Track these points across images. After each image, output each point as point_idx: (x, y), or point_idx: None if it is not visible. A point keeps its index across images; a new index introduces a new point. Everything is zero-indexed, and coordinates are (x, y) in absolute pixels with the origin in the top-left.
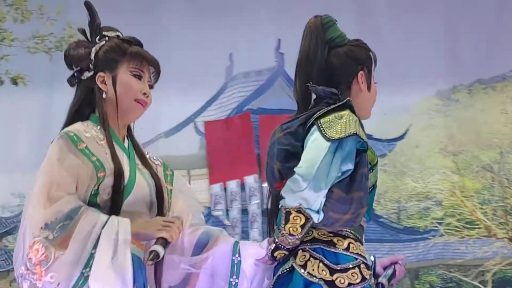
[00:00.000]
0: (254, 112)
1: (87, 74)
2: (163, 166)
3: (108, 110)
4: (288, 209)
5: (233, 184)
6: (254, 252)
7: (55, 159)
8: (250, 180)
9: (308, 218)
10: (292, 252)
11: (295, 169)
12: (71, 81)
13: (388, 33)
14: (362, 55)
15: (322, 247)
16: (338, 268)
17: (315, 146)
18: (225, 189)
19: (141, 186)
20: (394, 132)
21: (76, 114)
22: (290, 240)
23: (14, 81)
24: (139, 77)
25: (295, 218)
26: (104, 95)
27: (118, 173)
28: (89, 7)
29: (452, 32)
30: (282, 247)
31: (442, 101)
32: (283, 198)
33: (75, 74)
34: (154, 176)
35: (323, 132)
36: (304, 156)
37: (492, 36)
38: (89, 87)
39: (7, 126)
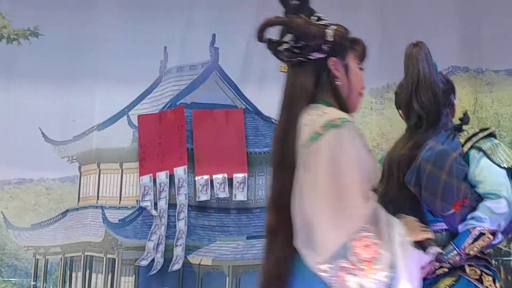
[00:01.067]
0: (187, 107)
1: (317, 55)
2: None
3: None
4: (483, 230)
5: (162, 175)
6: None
7: (354, 150)
8: (180, 171)
9: (492, 240)
10: (453, 268)
11: (496, 192)
12: (290, 54)
13: None
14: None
15: (486, 264)
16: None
17: (497, 172)
18: (154, 181)
19: None
20: None
21: (311, 96)
22: (461, 259)
23: None
24: (361, 70)
25: (484, 239)
26: (338, 82)
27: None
28: None
29: (387, 30)
30: (448, 264)
31: (376, 99)
32: (471, 218)
33: (297, 50)
34: None
35: (491, 158)
36: (491, 180)
37: (426, 36)
38: (317, 69)
39: None
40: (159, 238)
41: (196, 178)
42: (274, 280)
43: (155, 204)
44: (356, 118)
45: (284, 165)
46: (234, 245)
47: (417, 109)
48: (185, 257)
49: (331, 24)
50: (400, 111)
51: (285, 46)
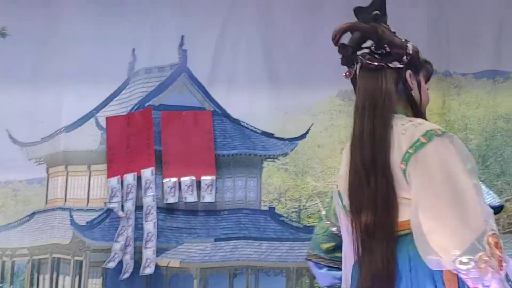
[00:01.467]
0: (155, 108)
1: (396, 64)
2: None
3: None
4: None
5: (129, 177)
6: None
7: (459, 156)
8: (147, 173)
9: None
10: None
11: None
12: (372, 58)
13: (291, 33)
14: None
15: None
16: None
17: None
18: (122, 182)
19: None
20: (296, 131)
21: (395, 103)
22: None
23: None
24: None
25: None
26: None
27: None
28: None
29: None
30: None
31: (344, 101)
32: None
33: (378, 56)
34: None
35: None
36: None
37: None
38: (396, 78)
39: None
40: (126, 240)
41: (164, 181)
42: (383, 281)
43: (122, 206)
44: (325, 121)
45: (376, 169)
46: (202, 247)
47: None
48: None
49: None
50: None
51: (365, 50)
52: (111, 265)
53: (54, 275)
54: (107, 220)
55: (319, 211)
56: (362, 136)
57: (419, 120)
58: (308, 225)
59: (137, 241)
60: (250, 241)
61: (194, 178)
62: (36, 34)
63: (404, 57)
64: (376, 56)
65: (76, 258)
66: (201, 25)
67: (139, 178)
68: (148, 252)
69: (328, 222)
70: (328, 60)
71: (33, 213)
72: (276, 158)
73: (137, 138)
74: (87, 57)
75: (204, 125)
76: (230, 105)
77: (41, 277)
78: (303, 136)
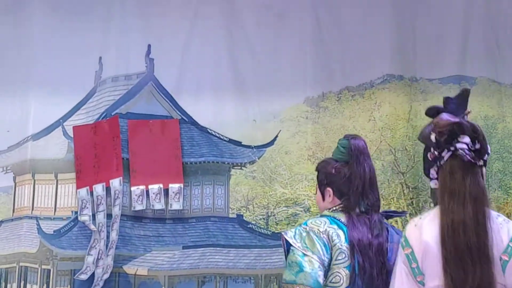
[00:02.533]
0: (122, 117)
1: (481, 162)
2: None
3: None
4: None
5: (99, 188)
6: None
7: None
8: (116, 183)
9: None
10: None
11: None
12: (473, 155)
13: (258, 40)
14: None
15: None
16: None
17: None
18: (91, 194)
19: None
20: (263, 139)
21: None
22: None
23: None
24: None
25: None
26: None
27: None
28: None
29: (321, 39)
30: None
31: (311, 108)
32: None
33: (474, 153)
34: None
35: None
36: None
37: (360, 44)
38: (483, 173)
39: None
40: (98, 253)
41: (131, 189)
42: None
43: (93, 218)
44: (292, 127)
45: (481, 256)
46: (170, 254)
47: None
48: (121, 267)
49: None
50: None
51: (463, 146)
52: (83, 277)
53: (22, 284)
54: (75, 228)
55: (287, 217)
56: (466, 223)
57: (502, 215)
58: (276, 232)
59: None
60: (218, 248)
61: (161, 186)
62: (2, 41)
63: (486, 156)
64: (473, 152)
65: (43, 266)
66: (167, 34)
67: (107, 189)
68: (108, 259)
69: (316, 258)
70: (294, 67)
71: (0, 222)
72: (244, 166)
73: (104, 147)
74: (54, 65)
75: (171, 133)
76: (197, 113)
77: (8, 286)
78: (270, 143)
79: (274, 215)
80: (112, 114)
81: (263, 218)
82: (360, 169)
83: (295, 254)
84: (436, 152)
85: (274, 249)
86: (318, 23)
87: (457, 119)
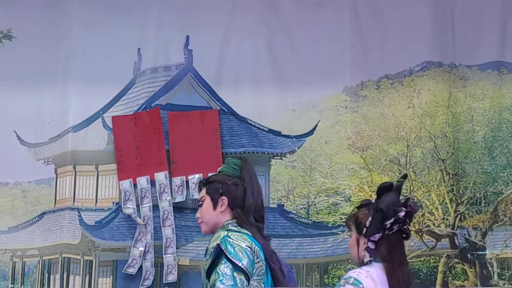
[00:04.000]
0: (162, 108)
1: None
2: None
3: None
4: None
5: (143, 181)
6: None
7: None
8: (161, 176)
9: None
10: None
11: None
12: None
13: (296, 30)
14: None
15: None
16: None
17: None
18: (135, 186)
19: None
20: (303, 128)
21: None
22: None
23: None
24: None
25: None
26: None
27: None
28: None
29: (359, 27)
30: None
31: (350, 97)
32: None
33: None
34: None
35: None
36: None
37: (399, 31)
38: None
39: None
40: (145, 246)
41: (172, 179)
42: None
43: (138, 211)
44: (331, 117)
45: None
46: None
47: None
48: (162, 257)
49: None
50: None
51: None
52: (132, 271)
53: (65, 275)
54: (116, 219)
55: (328, 207)
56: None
57: None
58: (317, 221)
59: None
60: None
61: (201, 176)
62: (42, 35)
63: None
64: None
65: (86, 257)
66: (206, 25)
67: (152, 182)
68: (169, 258)
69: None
70: (333, 56)
71: (43, 214)
72: (284, 156)
73: (146, 139)
74: (93, 58)
75: (211, 124)
76: (236, 103)
77: (51, 277)
78: (310, 133)
79: (315, 205)
80: (152, 105)
81: (304, 208)
82: (254, 187)
83: (228, 267)
84: (389, 223)
85: (315, 238)
86: (357, 12)
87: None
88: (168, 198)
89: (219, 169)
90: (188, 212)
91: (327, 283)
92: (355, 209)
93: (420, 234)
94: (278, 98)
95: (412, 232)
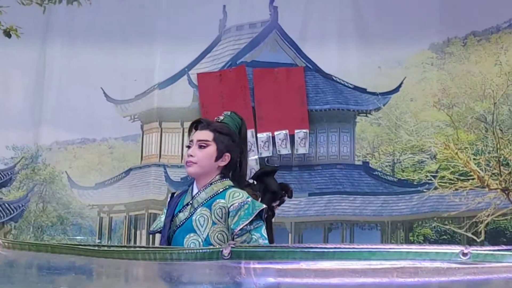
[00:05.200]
0: (247, 65)
1: None
2: None
3: None
4: None
5: None
6: None
7: None
8: (248, 135)
9: None
10: None
11: None
12: None
13: None
14: None
15: None
16: None
17: None
18: None
19: None
20: (388, 86)
21: None
22: None
23: (7, 33)
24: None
25: None
26: None
27: None
28: None
29: None
30: None
31: (436, 54)
32: None
33: None
34: None
35: None
36: None
37: None
38: None
39: (0, 78)
40: None
41: (258, 136)
42: None
43: None
44: (417, 74)
45: None
46: (296, 202)
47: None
48: None
49: None
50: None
51: None
52: None
53: None
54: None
55: (413, 164)
56: None
57: None
58: (402, 178)
59: None
60: (344, 195)
61: (287, 132)
62: None
63: None
64: None
65: None
66: None
67: None
68: None
69: None
70: (419, 13)
71: (129, 170)
72: (369, 113)
73: (232, 96)
74: (179, 15)
75: (296, 81)
76: (322, 60)
77: (138, 232)
78: (395, 90)
79: (400, 162)
80: (237, 62)
81: (389, 165)
82: (246, 155)
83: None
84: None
85: (400, 196)
86: None
87: None
88: (255, 157)
89: (222, 118)
90: None
91: (412, 241)
92: None
93: (506, 192)
94: (363, 54)
95: (498, 190)
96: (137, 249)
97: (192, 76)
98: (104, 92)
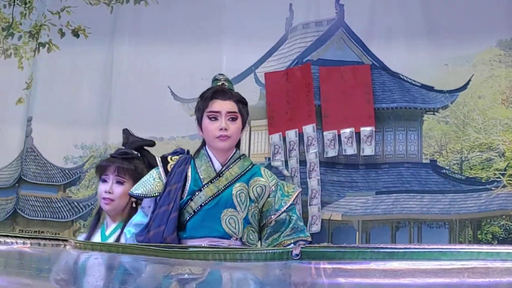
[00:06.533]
0: (313, 63)
1: None
2: None
3: None
4: None
5: (291, 134)
6: None
7: None
8: (309, 129)
9: None
10: None
11: None
12: None
13: None
14: None
15: None
16: None
17: None
18: (284, 139)
19: None
20: (456, 83)
21: None
22: None
23: (76, 33)
24: None
25: None
26: None
27: None
28: None
29: None
30: None
31: (504, 51)
32: None
33: None
34: None
35: None
36: None
37: None
38: None
39: (69, 78)
40: None
41: (324, 133)
42: None
43: (286, 163)
44: (485, 72)
45: None
46: (363, 200)
47: None
48: (308, 209)
49: None
50: None
51: None
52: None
53: None
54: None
55: (481, 162)
56: None
57: None
58: (470, 176)
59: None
60: (412, 194)
61: (353, 130)
62: None
63: None
64: None
65: None
66: None
67: (300, 135)
68: (314, 209)
69: None
70: (487, 9)
71: None
72: (437, 111)
73: (297, 94)
74: (245, 13)
75: (362, 79)
76: (388, 58)
77: None
78: (463, 87)
79: (468, 160)
80: (304, 61)
81: (457, 163)
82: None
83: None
84: None
85: (468, 194)
86: None
87: None
88: (315, 151)
89: (227, 85)
90: (340, 167)
91: (480, 239)
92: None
93: None
94: (430, 52)
95: None
96: (208, 249)
97: (258, 75)
98: (171, 91)
